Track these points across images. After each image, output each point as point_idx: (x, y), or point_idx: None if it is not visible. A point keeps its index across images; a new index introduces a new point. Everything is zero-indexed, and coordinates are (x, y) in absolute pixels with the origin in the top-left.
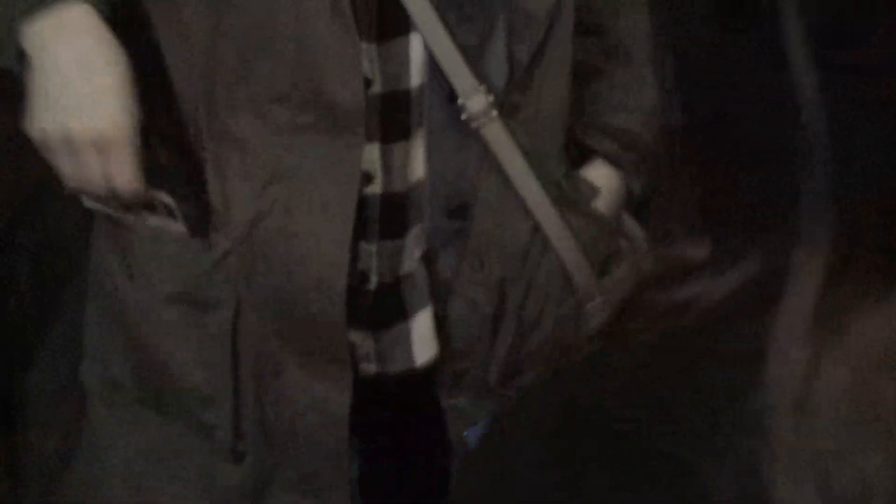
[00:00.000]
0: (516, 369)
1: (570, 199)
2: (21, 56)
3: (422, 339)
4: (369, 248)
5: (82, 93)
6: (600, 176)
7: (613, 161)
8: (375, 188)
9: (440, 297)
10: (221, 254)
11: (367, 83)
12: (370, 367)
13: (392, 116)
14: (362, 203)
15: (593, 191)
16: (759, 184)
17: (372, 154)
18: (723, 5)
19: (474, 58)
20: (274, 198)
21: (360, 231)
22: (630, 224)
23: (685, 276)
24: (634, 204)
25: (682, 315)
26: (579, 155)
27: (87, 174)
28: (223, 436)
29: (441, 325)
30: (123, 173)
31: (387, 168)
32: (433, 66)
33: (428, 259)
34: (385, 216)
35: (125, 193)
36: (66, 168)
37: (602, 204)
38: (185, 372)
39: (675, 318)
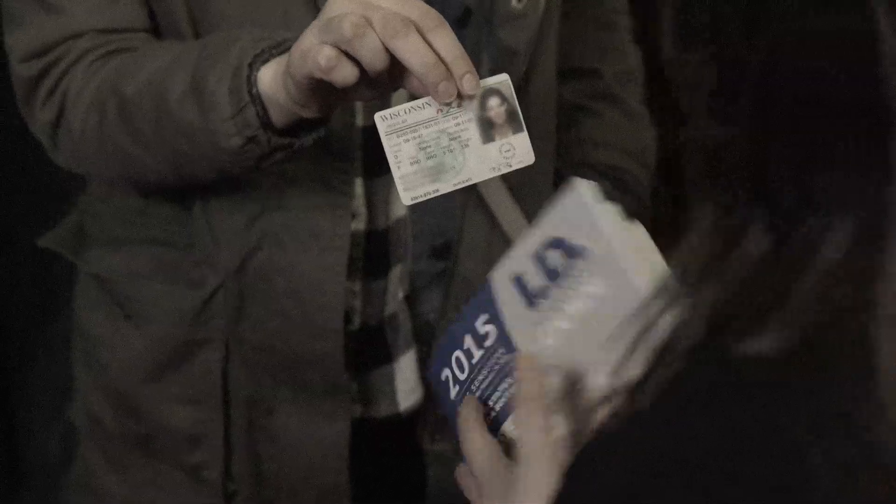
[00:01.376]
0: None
1: None
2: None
3: (406, 382)
4: (353, 286)
5: None
6: None
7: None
8: (359, 224)
9: (424, 340)
10: (210, 291)
11: (351, 115)
12: (355, 410)
13: (375, 150)
14: (349, 240)
15: None
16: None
17: (357, 189)
18: None
19: None
20: (264, 231)
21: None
22: None
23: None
24: None
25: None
26: None
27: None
28: (212, 476)
29: (425, 368)
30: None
31: (370, 204)
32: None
33: (411, 300)
34: (368, 254)
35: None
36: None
37: None
38: (173, 413)
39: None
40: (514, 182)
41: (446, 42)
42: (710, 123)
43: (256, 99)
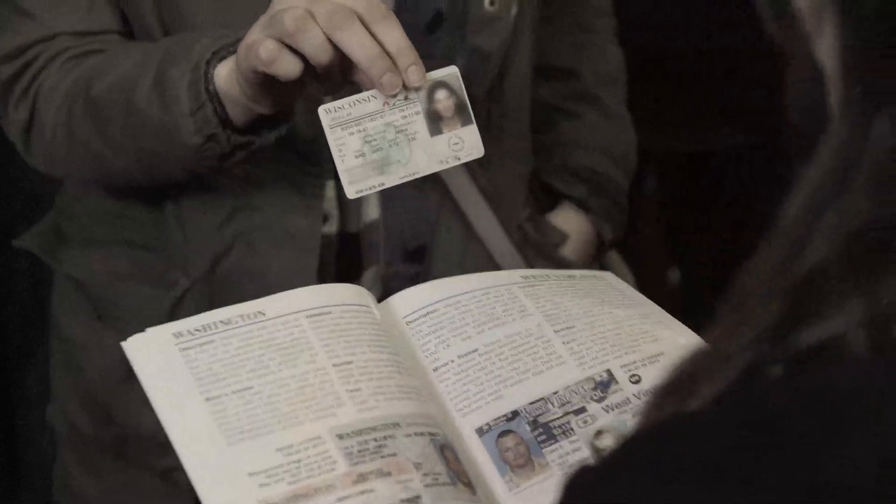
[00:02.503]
0: None
1: (536, 243)
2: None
3: None
4: None
5: None
6: (569, 220)
7: (582, 205)
8: (331, 227)
9: None
10: (181, 292)
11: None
12: None
13: None
14: (320, 243)
15: (561, 236)
16: None
17: (329, 192)
18: None
19: None
20: (235, 233)
21: (318, 271)
22: (617, 265)
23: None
24: (606, 249)
25: None
26: (548, 199)
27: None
28: (183, 478)
29: None
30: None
31: (342, 206)
32: None
33: None
34: (340, 257)
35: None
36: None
37: (571, 250)
38: (145, 416)
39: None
40: (489, 186)
41: (391, 34)
42: None
43: (214, 96)
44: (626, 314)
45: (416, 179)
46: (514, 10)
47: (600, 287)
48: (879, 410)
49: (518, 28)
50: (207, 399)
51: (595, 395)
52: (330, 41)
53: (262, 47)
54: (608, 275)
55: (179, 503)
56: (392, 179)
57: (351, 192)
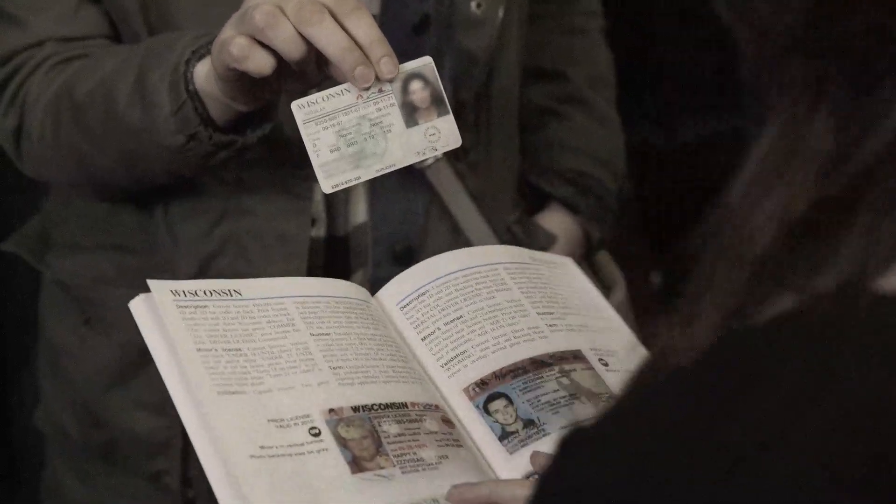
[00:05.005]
0: None
1: (524, 244)
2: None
3: None
4: None
5: None
6: (557, 221)
7: (570, 206)
8: (319, 230)
9: None
10: None
11: None
12: None
13: None
14: (309, 246)
15: (549, 237)
16: None
17: (316, 195)
18: None
19: None
20: (224, 237)
21: (306, 274)
22: (607, 265)
23: None
24: (595, 250)
25: None
26: (537, 201)
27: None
28: (172, 482)
29: None
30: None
31: (330, 209)
32: None
33: None
34: (328, 260)
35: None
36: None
37: (559, 251)
38: (135, 420)
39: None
40: (477, 187)
41: (362, 26)
42: None
43: (194, 95)
44: (589, 304)
45: (406, 181)
46: (500, 13)
47: (567, 275)
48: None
49: (505, 30)
50: (199, 350)
51: (573, 365)
52: (301, 36)
53: (234, 44)
54: (568, 261)
55: None
56: (368, 172)
57: (327, 187)
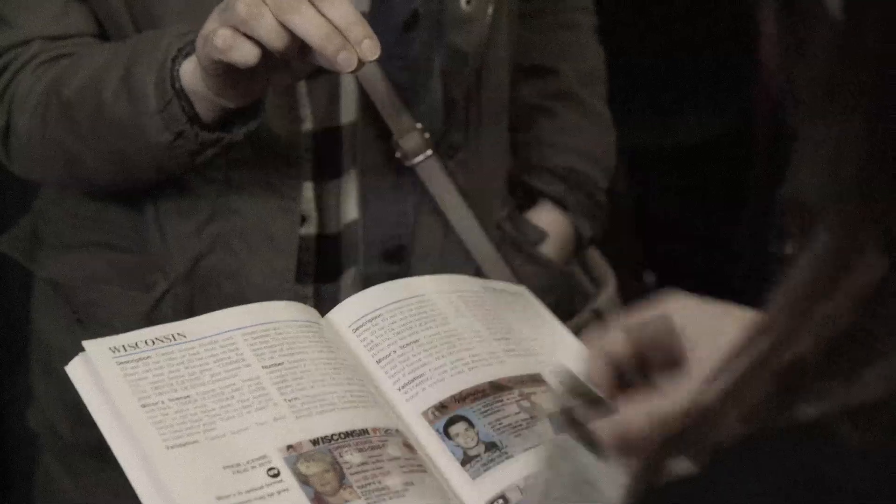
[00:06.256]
0: None
1: (514, 241)
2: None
3: None
4: (304, 290)
5: None
6: (547, 218)
7: (561, 203)
8: (310, 229)
9: None
10: (160, 294)
11: (298, 121)
12: None
13: (324, 155)
14: (298, 244)
15: (540, 234)
16: None
17: (307, 193)
18: None
19: (409, 96)
20: (214, 235)
21: (297, 273)
22: (597, 262)
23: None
24: (585, 247)
25: None
26: (527, 198)
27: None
28: None
29: None
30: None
31: (321, 208)
32: (366, 104)
33: None
34: (320, 258)
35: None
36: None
37: (550, 248)
38: None
39: None
40: (468, 184)
41: (340, 10)
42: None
43: (181, 93)
44: (546, 330)
45: (397, 179)
46: (490, 10)
47: (521, 303)
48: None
49: (495, 27)
50: (144, 406)
51: (533, 388)
52: (283, 25)
53: (218, 36)
54: (523, 289)
55: None
56: None
57: None
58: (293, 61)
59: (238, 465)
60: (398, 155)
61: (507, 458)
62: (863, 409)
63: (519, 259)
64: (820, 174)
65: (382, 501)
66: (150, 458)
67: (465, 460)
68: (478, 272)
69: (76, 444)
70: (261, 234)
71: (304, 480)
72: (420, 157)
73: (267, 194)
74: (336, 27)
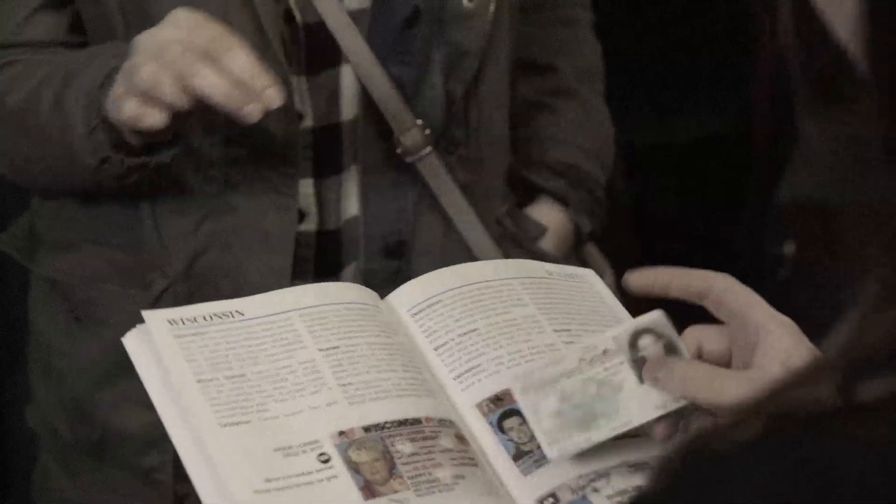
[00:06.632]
0: None
1: (514, 236)
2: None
3: None
4: None
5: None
6: (547, 214)
7: (560, 198)
8: (310, 225)
9: None
10: (158, 292)
11: (299, 117)
12: None
13: (325, 151)
14: (297, 240)
15: (540, 229)
16: None
17: (306, 190)
18: None
19: (410, 93)
20: (211, 233)
21: (295, 269)
22: (596, 258)
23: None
24: (584, 242)
25: None
26: (527, 193)
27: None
28: (164, 478)
29: None
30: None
31: (321, 204)
32: (367, 101)
33: None
34: (320, 254)
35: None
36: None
37: (550, 243)
38: (126, 417)
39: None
40: (468, 180)
41: (239, 63)
42: None
43: (106, 121)
44: (610, 317)
45: (397, 175)
46: (492, 6)
47: (584, 288)
48: None
49: (496, 24)
50: (199, 381)
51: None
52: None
53: (124, 110)
54: (589, 273)
55: (160, 503)
56: (601, 433)
57: (552, 453)
58: (206, 108)
59: (289, 447)
60: (399, 151)
61: None
62: (869, 406)
63: (518, 254)
64: (820, 174)
65: (431, 494)
66: (201, 434)
67: (518, 455)
68: None
69: (74, 444)
70: (257, 231)
71: (354, 468)
72: (420, 154)
73: (263, 192)
74: (239, 80)
